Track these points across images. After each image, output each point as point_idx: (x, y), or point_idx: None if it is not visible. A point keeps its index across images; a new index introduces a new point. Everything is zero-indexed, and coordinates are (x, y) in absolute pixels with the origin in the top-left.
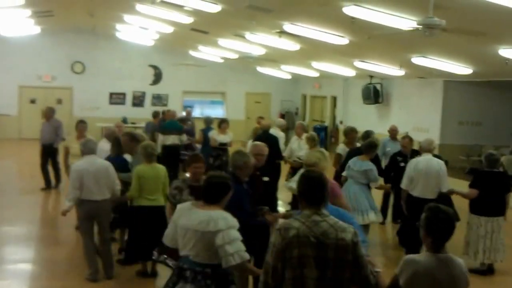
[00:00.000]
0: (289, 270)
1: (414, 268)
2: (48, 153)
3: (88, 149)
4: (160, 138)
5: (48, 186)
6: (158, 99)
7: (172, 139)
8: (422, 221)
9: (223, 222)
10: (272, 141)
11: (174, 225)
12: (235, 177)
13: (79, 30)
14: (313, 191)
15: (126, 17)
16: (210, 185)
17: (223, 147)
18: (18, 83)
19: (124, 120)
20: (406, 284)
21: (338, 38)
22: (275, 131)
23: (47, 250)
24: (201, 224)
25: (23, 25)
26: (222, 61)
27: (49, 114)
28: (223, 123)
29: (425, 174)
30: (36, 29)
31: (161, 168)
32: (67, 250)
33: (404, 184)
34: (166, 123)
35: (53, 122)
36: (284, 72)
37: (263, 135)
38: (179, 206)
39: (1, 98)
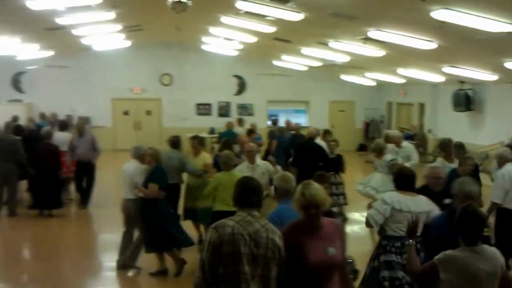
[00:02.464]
0: (223, 266)
1: (451, 262)
2: (85, 170)
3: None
4: (216, 147)
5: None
6: (244, 108)
7: None
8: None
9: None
10: (317, 151)
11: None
12: None
13: (166, 43)
14: (248, 196)
15: (211, 29)
16: (408, 176)
17: None
18: (111, 96)
19: (212, 131)
20: (445, 277)
21: (425, 43)
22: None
23: (145, 257)
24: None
25: (114, 40)
26: (305, 69)
27: (82, 128)
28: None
29: None
30: (126, 43)
31: (237, 176)
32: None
33: (497, 198)
34: (223, 133)
35: (87, 137)
36: (368, 79)
37: (307, 144)
38: (393, 197)
39: (96, 111)
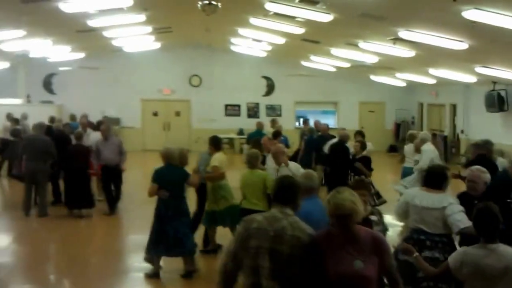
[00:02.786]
0: (247, 259)
1: (463, 258)
2: (111, 175)
3: None
4: (246, 147)
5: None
6: (272, 109)
7: None
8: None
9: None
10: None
11: (406, 204)
12: None
13: (196, 45)
14: (281, 193)
15: (241, 30)
16: (433, 174)
17: None
18: (141, 97)
19: (241, 132)
20: (457, 273)
21: (456, 43)
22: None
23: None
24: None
25: (144, 41)
26: (334, 70)
27: (107, 131)
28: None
29: None
30: (156, 45)
31: (260, 175)
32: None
33: None
34: (251, 133)
35: (113, 140)
36: (398, 80)
37: (339, 145)
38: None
39: (126, 112)
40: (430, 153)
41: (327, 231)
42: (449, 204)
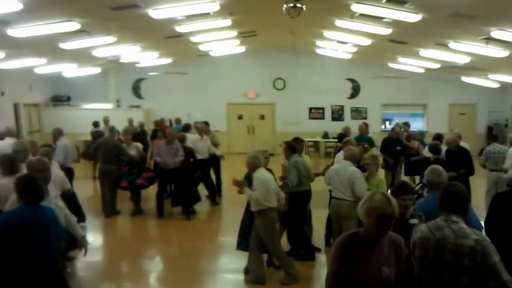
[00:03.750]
0: (416, 269)
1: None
2: (170, 177)
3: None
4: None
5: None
6: (357, 112)
7: None
8: None
9: None
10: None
11: None
12: None
13: (280, 48)
14: (447, 200)
15: (326, 33)
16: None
17: None
18: (226, 101)
19: (325, 135)
20: None
21: None
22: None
23: None
24: None
25: (230, 46)
26: (422, 71)
27: (173, 135)
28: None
29: None
30: (241, 49)
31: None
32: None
33: None
34: (357, 137)
35: (175, 144)
36: (491, 81)
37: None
38: None
39: (211, 115)
40: None
41: (355, 233)
42: None
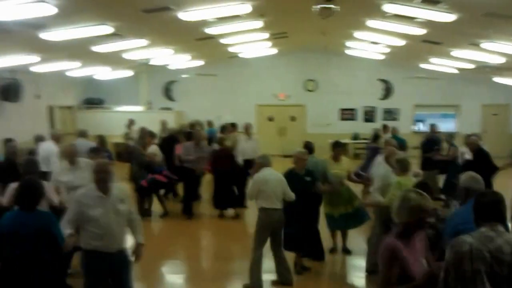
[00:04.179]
0: (462, 284)
1: None
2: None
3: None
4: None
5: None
6: (389, 113)
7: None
8: None
9: None
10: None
11: None
12: None
13: (310, 49)
14: (489, 209)
15: (357, 33)
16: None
17: None
18: (256, 102)
19: (356, 136)
20: None
21: None
22: None
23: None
24: None
25: (260, 47)
26: (455, 72)
27: (199, 138)
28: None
29: None
30: (272, 51)
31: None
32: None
33: None
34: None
35: (205, 149)
36: None
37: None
38: None
39: (241, 117)
40: None
41: (393, 235)
42: None
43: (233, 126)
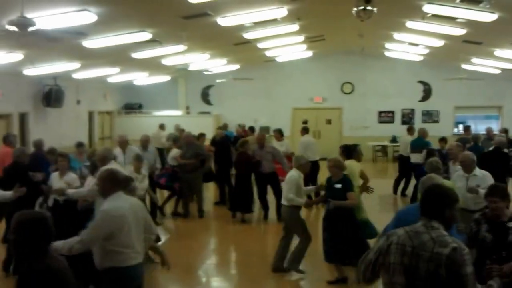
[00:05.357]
0: (384, 275)
1: None
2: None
3: None
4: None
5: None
6: (428, 115)
7: (416, 157)
8: None
9: None
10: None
11: None
12: None
13: (347, 52)
14: (426, 204)
15: (396, 35)
16: None
17: None
18: (292, 106)
19: (394, 139)
20: None
21: None
22: None
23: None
24: None
25: (296, 51)
26: (498, 72)
27: (263, 139)
28: None
29: None
30: (308, 54)
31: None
32: None
33: None
34: (414, 140)
35: (269, 149)
36: None
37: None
38: None
39: (277, 120)
40: None
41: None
42: None
43: (251, 130)
